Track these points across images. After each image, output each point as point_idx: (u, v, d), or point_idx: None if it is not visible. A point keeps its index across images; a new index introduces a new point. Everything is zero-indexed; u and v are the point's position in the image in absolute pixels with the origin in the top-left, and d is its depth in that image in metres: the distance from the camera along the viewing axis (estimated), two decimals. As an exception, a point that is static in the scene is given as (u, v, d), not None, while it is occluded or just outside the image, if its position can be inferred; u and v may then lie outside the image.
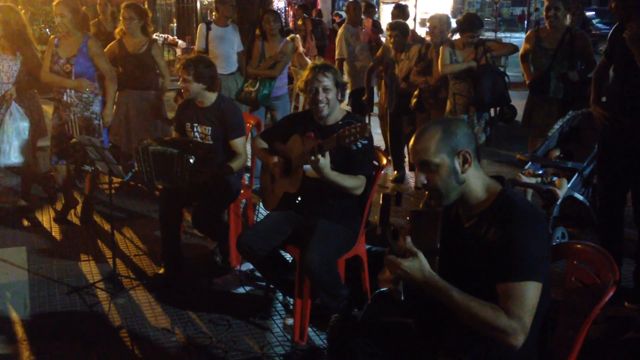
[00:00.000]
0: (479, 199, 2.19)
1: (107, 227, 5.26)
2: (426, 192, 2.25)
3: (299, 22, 13.86)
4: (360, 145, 3.21)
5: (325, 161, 3.27)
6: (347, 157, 3.43)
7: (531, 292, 2.01)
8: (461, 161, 2.16)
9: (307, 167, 3.52)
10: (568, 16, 5.66)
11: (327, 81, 3.52)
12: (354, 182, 3.45)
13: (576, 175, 4.72)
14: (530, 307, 2.01)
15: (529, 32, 6.04)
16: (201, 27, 6.81)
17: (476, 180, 2.20)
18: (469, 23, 5.78)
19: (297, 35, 9.85)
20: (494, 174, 2.29)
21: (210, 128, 4.31)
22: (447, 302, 2.05)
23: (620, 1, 3.94)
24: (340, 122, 3.57)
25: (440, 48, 5.81)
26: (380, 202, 2.61)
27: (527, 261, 2.02)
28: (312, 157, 3.25)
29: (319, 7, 16.48)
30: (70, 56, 5.15)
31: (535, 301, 2.02)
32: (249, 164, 4.84)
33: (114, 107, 5.58)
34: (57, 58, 5.17)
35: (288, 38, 6.89)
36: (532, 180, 4.81)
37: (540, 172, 4.85)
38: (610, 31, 4.13)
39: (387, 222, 2.08)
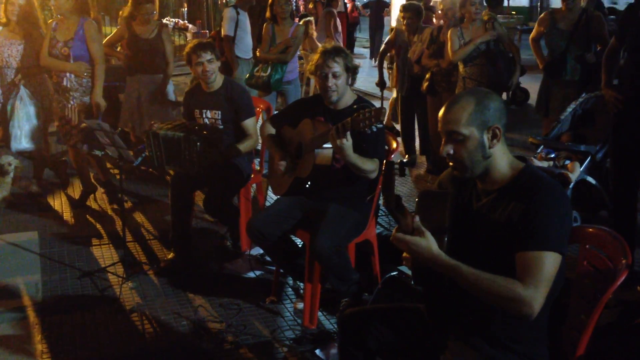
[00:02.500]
0: (503, 175, 2.17)
1: (118, 211, 5.27)
2: (450, 163, 2.22)
3: (310, 6, 13.79)
4: (375, 129, 3.18)
5: (348, 143, 3.24)
6: (362, 142, 3.40)
7: (550, 262, 1.98)
8: (490, 136, 2.13)
9: (319, 151, 3.50)
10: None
11: (337, 67, 3.48)
12: (371, 165, 3.42)
13: (589, 158, 4.67)
14: (547, 277, 1.97)
15: (543, 14, 5.96)
16: (230, 11, 6.73)
17: (502, 157, 2.17)
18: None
19: (312, 19, 9.78)
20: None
21: (219, 112, 4.30)
22: (458, 278, 2.02)
23: None
24: (353, 107, 3.53)
25: (448, 33, 5.75)
26: (383, 170, 2.58)
27: (549, 231, 1.99)
28: (337, 139, 3.21)
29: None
30: (67, 39, 5.13)
31: (553, 272, 1.98)
32: (259, 147, 4.82)
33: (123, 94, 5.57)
34: (55, 42, 5.15)
35: (301, 22, 6.84)
36: (545, 164, 4.77)
37: (553, 155, 4.80)
38: (622, 13, 4.06)
39: (390, 190, 2.04)
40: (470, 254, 2.12)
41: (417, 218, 2.07)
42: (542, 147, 4.90)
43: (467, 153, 2.14)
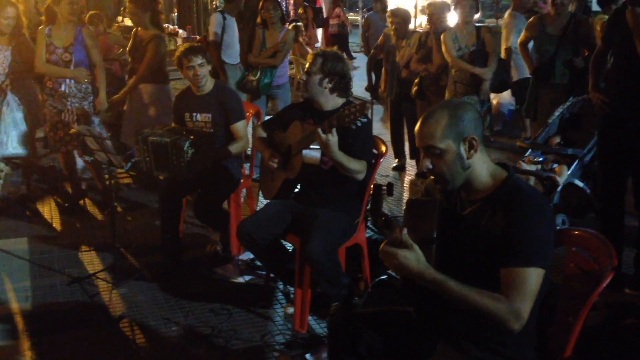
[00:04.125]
0: (484, 185, 2.18)
1: (108, 217, 5.26)
2: (430, 177, 2.23)
3: (300, 11, 13.82)
4: (359, 124, 3.19)
5: (334, 139, 3.25)
6: (348, 140, 3.41)
7: (534, 278, 2.01)
8: (467, 147, 2.14)
9: (306, 152, 3.51)
10: (572, 2, 5.64)
11: (314, 67, 3.53)
12: (357, 165, 3.43)
13: (576, 162, 4.71)
14: (531, 293, 2.00)
15: (531, 19, 6.01)
16: (217, 17, 6.73)
17: (482, 166, 2.18)
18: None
19: (301, 24, 9.80)
20: (495, 161, 2.27)
21: (210, 115, 4.31)
22: (444, 293, 2.05)
23: None
24: (340, 109, 3.55)
25: (442, 35, 5.78)
26: (370, 192, 2.61)
27: (532, 247, 2.01)
28: (323, 135, 3.23)
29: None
30: (67, 45, 5.13)
31: (537, 287, 2.02)
32: (249, 151, 4.83)
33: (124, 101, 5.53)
34: (54, 48, 5.14)
35: (290, 27, 6.86)
36: (533, 168, 4.80)
37: (541, 159, 4.84)
38: (609, 17, 4.10)
39: (378, 211, 2.07)
40: (458, 263, 2.14)
41: (404, 231, 2.08)
42: (530, 150, 4.94)
43: (446, 166, 2.15)
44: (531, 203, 2.06)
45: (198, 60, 4.23)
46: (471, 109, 2.21)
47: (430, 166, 2.19)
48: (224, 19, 6.71)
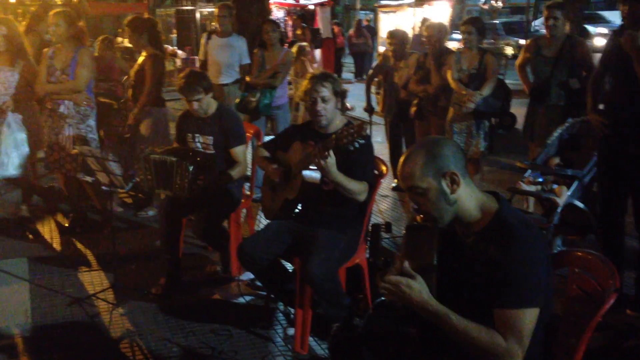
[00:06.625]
0: (474, 218, 2.17)
1: (108, 237, 5.25)
2: (420, 216, 2.24)
3: (298, 32, 13.92)
4: (357, 145, 3.21)
5: (332, 160, 3.27)
6: (348, 161, 3.43)
7: (528, 318, 2.02)
8: (449, 182, 2.13)
9: (306, 172, 3.53)
10: (567, 24, 5.68)
11: (326, 91, 3.53)
12: (358, 186, 3.45)
13: (576, 183, 4.72)
14: (527, 331, 2.02)
15: (528, 41, 6.06)
16: (202, 37, 6.87)
17: (469, 199, 2.17)
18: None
19: (306, 44, 9.82)
20: (490, 189, 2.26)
21: (212, 137, 4.33)
22: (444, 326, 2.07)
23: (633, 6, 3.88)
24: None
25: (449, 58, 5.85)
26: (370, 232, 2.61)
27: (524, 288, 2.02)
28: (320, 157, 3.24)
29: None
30: (65, 67, 5.17)
31: (532, 326, 2.03)
32: (248, 173, 4.85)
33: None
34: (54, 70, 5.19)
35: (295, 48, 6.93)
36: (532, 188, 4.81)
37: (540, 179, 4.85)
38: (607, 39, 4.14)
39: (377, 251, 2.08)
40: (457, 291, 2.14)
41: (406, 264, 2.09)
42: (529, 171, 4.95)
43: (431, 204, 2.16)
44: (524, 241, 2.05)
45: (195, 96, 4.22)
46: (449, 143, 2.22)
47: (416, 206, 2.20)
48: (209, 39, 6.82)
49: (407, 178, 2.17)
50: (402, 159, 2.22)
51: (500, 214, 2.14)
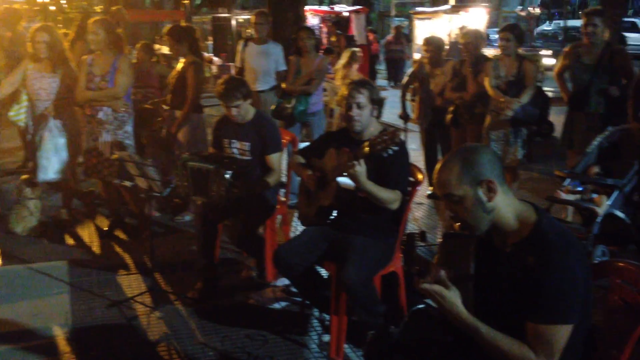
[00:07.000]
0: (511, 228, 2.15)
1: (146, 241, 5.33)
2: (456, 224, 2.23)
3: (333, 39, 13.96)
4: (391, 152, 3.21)
5: (361, 168, 3.28)
6: (382, 169, 3.43)
7: (561, 335, 2.00)
8: (485, 190, 2.12)
9: (341, 179, 3.54)
10: (606, 31, 5.60)
11: (362, 98, 3.55)
12: (389, 195, 3.45)
13: (616, 192, 4.64)
14: (558, 348, 2.01)
15: (567, 48, 5.99)
16: (239, 44, 6.94)
17: (506, 208, 2.15)
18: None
19: (359, 50, 9.74)
20: (528, 198, 2.24)
21: (249, 143, 4.36)
22: (476, 338, 2.07)
23: None
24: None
25: (487, 65, 5.82)
26: (405, 240, 2.62)
27: (559, 304, 2.00)
28: (349, 165, 3.26)
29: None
30: (104, 73, 5.27)
31: (564, 341, 2.01)
32: (284, 179, 4.88)
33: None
34: (93, 76, 5.29)
35: (348, 52, 7.02)
36: (571, 197, 4.75)
37: (580, 189, 4.78)
38: None
39: (412, 260, 2.09)
40: (494, 301, 2.13)
41: (442, 273, 2.08)
42: (568, 180, 4.88)
43: (467, 212, 2.15)
44: (561, 257, 2.02)
45: (234, 102, 4.27)
46: (486, 151, 2.20)
47: (453, 214, 2.19)
48: (245, 46, 6.89)
49: (444, 185, 2.16)
50: (438, 166, 2.21)
51: (539, 225, 2.11)
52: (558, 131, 6.56)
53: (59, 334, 3.87)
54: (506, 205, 2.15)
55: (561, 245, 2.05)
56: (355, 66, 7.50)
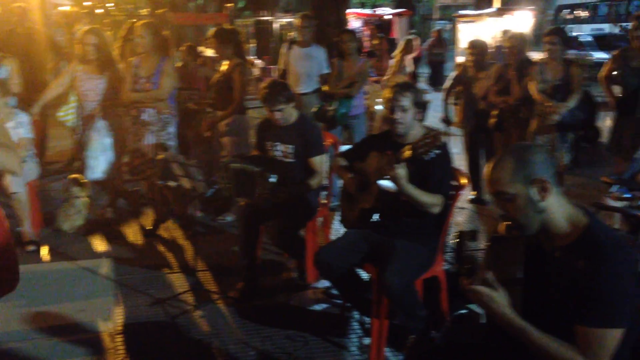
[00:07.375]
0: (562, 231, 2.12)
1: (189, 241, 5.42)
2: (506, 222, 2.21)
3: (375, 42, 13.93)
4: (433, 155, 3.20)
5: (402, 171, 3.27)
6: (424, 173, 3.42)
7: (610, 339, 1.97)
8: (538, 189, 2.09)
9: (382, 182, 3.53)
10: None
11: (406, 101, 3.54)
12: (431, 199, 3.44)
13: (666, 199, 4.52)
14: (607, 352, 1.97)
15: (615, 52, 5.87)
16: (283, 47, 6.98)
17: (558, 210, 2.12)
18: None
19: (412, 37, 9.63)
20: (576, 202, 2.21)
21: (292, 146, 4.39)
22: (524, 340, 2.04)
23: None
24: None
25: (532, 68, 5.74)
26: (456, 239, 2.60)
27: (610, 308, 1.97)
28: (389, 168, 3.26)
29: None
30: (149, 75, 5.36)
31: (614, 346, 1.98)
32: (325, 182, 4.89)
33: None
34: (138, 78, 5.39)
35: (404, 40, 6.98)
36: (619, 204, 4.64)
37: (628, 195, 4.67)
38: None
39: (462, 259, 2.07)
40: (542, 305, 2.11)
41: (490, 274, 2.07)
42: (616, 186, 4.77)
43: (518, 211, 2.12)
44: (612, 260, 1.99)
45: (277, 106, 4.29)
46: (539, 150, 2.17)
47: (504, 212, 2.17)
48: (290, 49, 6.91)
49: (496, 183, 2.15)
50: (491, 164, 2.20)
51: (590, 229, 2.08)
52: (604, 136, 6.44)
53: (104, 330, 3.95)
54: (558, 207, 2.13)
55: (613, 248, 2.02)
56: (410, 56, 7.46)
